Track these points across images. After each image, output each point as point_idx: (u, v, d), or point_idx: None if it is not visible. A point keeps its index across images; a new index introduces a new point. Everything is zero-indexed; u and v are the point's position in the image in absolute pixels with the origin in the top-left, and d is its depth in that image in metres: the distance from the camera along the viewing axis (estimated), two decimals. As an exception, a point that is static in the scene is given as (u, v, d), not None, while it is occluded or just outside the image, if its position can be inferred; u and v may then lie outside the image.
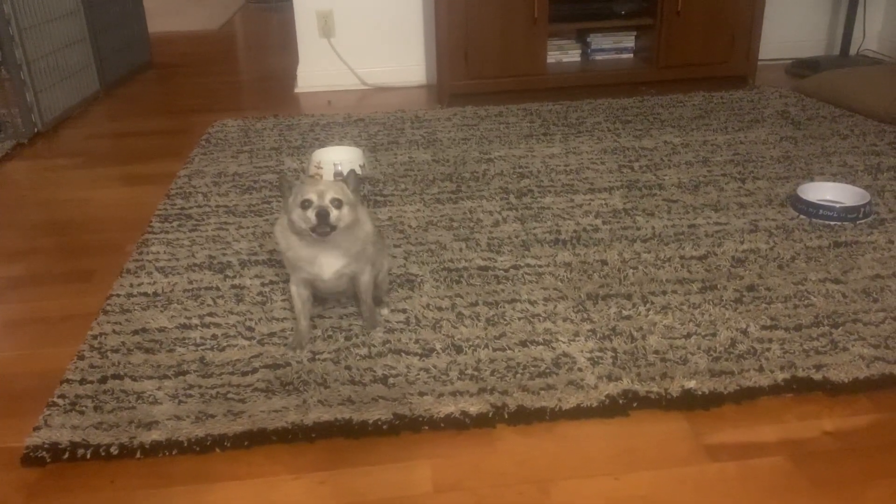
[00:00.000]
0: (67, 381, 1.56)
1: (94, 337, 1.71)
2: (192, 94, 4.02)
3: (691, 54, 3.66)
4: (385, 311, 1.76)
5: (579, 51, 3.90)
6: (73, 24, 3.63)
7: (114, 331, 1.73)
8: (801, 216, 2.20)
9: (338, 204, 1.53)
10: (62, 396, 1.50)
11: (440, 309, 1.77)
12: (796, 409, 1.45)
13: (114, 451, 1.36)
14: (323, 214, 1.51)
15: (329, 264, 1.62)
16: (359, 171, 2.57)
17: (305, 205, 1.52)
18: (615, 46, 3.91)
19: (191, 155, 2.89)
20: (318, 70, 3.89)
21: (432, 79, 3.86)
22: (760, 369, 1.52)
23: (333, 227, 1.53)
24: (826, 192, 2.28)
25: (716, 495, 1.26)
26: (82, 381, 1.55)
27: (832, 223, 2.15)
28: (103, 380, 1.55)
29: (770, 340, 1.62)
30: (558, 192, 2.44)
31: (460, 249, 2.06)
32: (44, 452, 1.36)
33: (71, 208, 2.52)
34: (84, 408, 1.47)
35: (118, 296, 1.88)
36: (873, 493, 1.26)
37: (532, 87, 3.60)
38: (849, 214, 2.15)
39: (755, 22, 3.63)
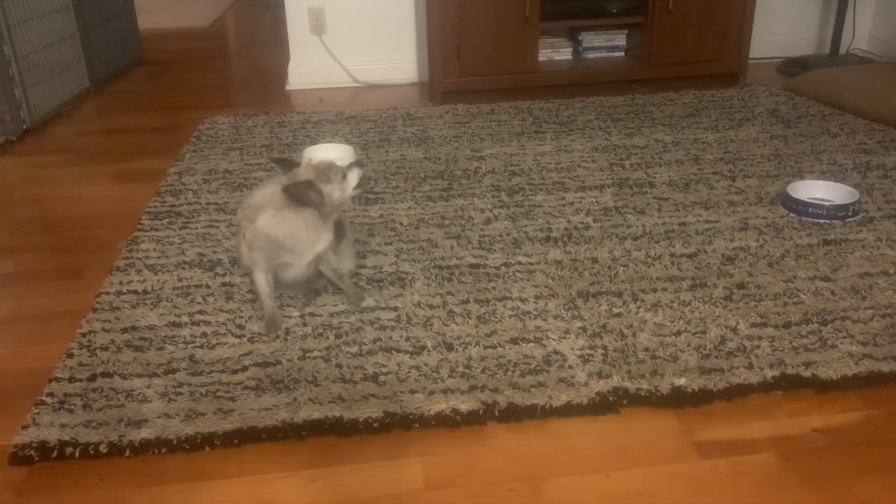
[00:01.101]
0: (56, 379, 1.55)
1: (84, 335, 1.70)
2: (182, 91, 4.00)
3: (682, 52, 3.67)
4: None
5: (571, 49, 3.90)
6: (62, 20, 3.61)
7: (103, 329, 1.72)
8: (791, 214, 2.21)
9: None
10: (51, 395, 1.50)
11: (431, 307, 1.77)
12: (786, 406, 1.46)
13: (103, 449, 1.36)
14: (363, 167, 1.73)
15: (325, 240, 1.70)
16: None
17: (337, 177, 1.66)
18: (606, 45, 3.91)
19: (181, 152, 2.88)
20: (309, 67, 3.88)
21: (424, 76, 3.86)
22: (750, 367, 1.53)
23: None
24: (816, 190, 2.29)
25: (706, 492, 1.27)
26: (71, 380, 1.54)
27: (822, 221, 2.16)
28: (92, 378, 1.55)
29: (760, 338, 1.62)
30: (549, 190, 2.44)
31: (451, 247, 2.06)
32: (32, 451, 1.36)
33: (60, 205, 2.51)
34: (73, 406, 1.46)
35: (108, 293, 1.87)
36: (862, 489, 1.27)
37: (524, 85, 3.60)
38: (838, 212, 2.16)
39: (746, 20, 3.64)
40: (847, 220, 2.16)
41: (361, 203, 2.34)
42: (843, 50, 3.99)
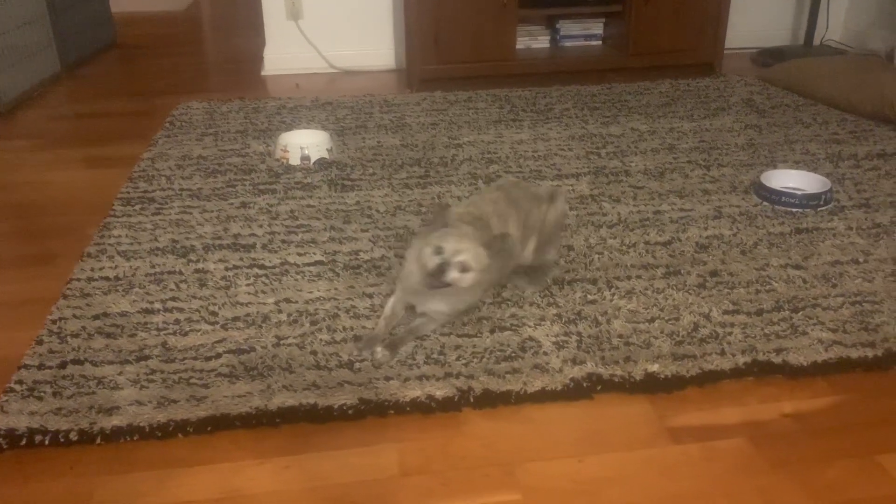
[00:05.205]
0: (25, 366, 1.52)
1: (54, 322, 1.68)
2: (156, 76, 3.94)
3: (659, 42, 3.68)
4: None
5: (548, 37, 3.90)
6: (31, 2, 3.53)
7: (74, 315, 1.70)
8: (764, 203, 2.23)
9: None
10: (19, 382, 1.47)
11: (407, 293, 1.77)
12: (757, 391, 1.48)
13: (73, 437, 1.34)
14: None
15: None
16: (326, 156, 2.56)
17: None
18: (584, 33, 3.92)
19: (154, 137, 2.84)
20: (285, 53, 3.84)
21: (402, 63, 3.84)
22: (722, 353, 1.54)
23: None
24: (789, 179, 2.31)
25: (678, 476, 1.28)
26: (41, 367, 1.52)
27: (794, 210, 2.18)
28: (62, 365, 1.52)
29: (732, 325, 1.64)
30: (526, 178, 2.44)
31: (428, 234, 2.06)
32: (0, 439, 1.33)
33: (30, 191, 2.47)
34: (42, 393, 1.44)
35: (79, 280, 1.85)
36: (830, 473, 1.29)
37: (501, 73, 3.60)
38: (810, 201, 2.19)
39: (722, 11, 3.66)
40: (819, 209, 2.18)
41: (336, 190, 2.34)
42: (816, 41, 4.03)
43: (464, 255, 1.50)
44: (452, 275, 1.50)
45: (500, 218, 1.69)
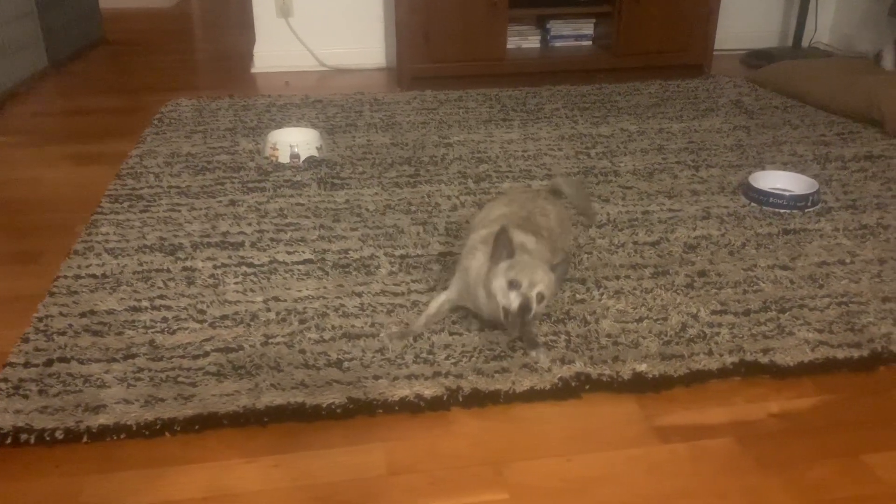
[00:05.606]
0: (11, 364, 1.51)
1: (40, 319, 1.66)
2: (145, 73, 3.92)
3: (649, 43, 3.69)
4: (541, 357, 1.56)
5: (539, 37, 3.90)
6: (19, -2, 3.51)
7: (60, 313, 1.69)
8: (752, 204, 2.25)
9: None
10: (5, 380, 1.46)
11: (396, 294, 1.76)
12: (744, 391, 1.49)
13: (59, 435, 1.33)
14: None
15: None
16: (315, 154, 2.55)
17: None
18: (574, 33, 3.93)
19: (143, 134, 2.83)
20: (275, 50, 3.82)
21: (392, 61, 3.83)
22: (710, 353, 1.55)
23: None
24: (776, 180, 2.33)
25: (665, 476, 1.29)
26: (26, 365, 1.51)
27: (782, 211, 2.19)
28: (49, 363, 1.51)
29: (720, 325, 1.65)
30: (516, 178, 2.44)
31: (418, 234, 2.06)
32: (-15, 437, 1.33)
33: (17, 188, 2.45)
34: (28, 391, 1.43)
35: (65, 277, 1.83)
36: (816, 472, 1.30)
37: (492, 72, 3.60)
38: (798, 203, 2.20)
39: (712, 12, 3.68)
40: (806, 210, 2.20)
41: (326, 188, 2.34)
42: (805, 43, 4.05)
43: (540, 285, 1.48)
44: (534, 309, 1.48)
45: (543, 214, 1.74)
